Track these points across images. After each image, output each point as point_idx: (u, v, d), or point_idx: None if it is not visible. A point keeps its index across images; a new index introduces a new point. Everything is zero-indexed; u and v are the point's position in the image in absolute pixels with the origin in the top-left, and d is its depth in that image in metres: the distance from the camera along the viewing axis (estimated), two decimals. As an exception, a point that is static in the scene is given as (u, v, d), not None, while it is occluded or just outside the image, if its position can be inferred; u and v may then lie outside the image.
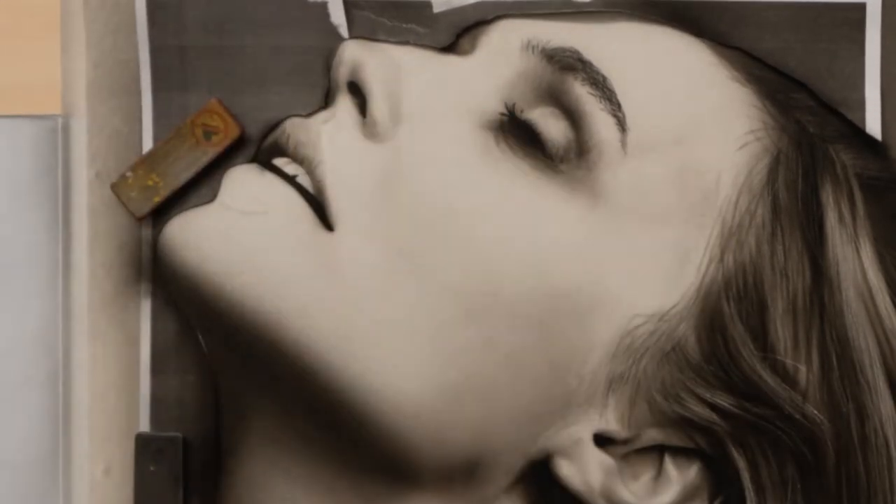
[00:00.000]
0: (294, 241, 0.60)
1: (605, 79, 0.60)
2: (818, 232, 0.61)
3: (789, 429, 0.60)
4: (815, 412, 0.60)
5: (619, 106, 0.60)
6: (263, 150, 0.64)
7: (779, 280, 0.61)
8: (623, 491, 0.61)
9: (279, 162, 0.62)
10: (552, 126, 0.60)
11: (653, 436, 0.61)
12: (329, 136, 0.61)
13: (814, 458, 0.60)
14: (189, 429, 0.64)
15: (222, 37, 0.64)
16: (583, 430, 0.61)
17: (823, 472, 0.60)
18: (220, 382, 0.64)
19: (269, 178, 0.62)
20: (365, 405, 0.59)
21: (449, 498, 0.61)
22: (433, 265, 0.59)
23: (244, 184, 0.62)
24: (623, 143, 0.60)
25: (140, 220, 0.64)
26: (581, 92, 0.60)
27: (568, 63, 0.61)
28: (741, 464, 0.61)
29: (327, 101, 0.64)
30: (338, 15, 0.63)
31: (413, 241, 0.60)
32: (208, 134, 0.64)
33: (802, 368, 0.60)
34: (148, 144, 0.64)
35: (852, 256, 0.61)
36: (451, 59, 0.62)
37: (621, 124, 0.60)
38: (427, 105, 0.61)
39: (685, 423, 0.61)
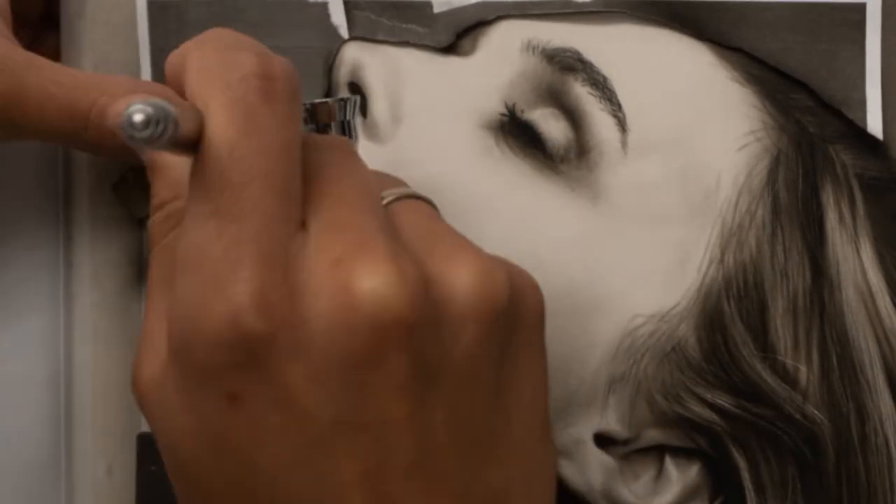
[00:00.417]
0: (295, 241, 0.60)
1: (605, 79, 0.61)
2: (818, 232, 0.61)
3: (789, 429, 0.60)
4: (816, 412, 0.60)
5: (619, 106, 0.60)
6: (264, 150, 0.63)
7: (779, 280, 0.61)
8: (623, 491, 0.61)
9: (280, 162, 0.62)
10: (552, 126, 0.61)
11: (653, 436, 0.61)
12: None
13: (814, 457, 0.60)
14: (190, 429, 0.64)
15: (223, 37, 0.64)
16: (583, 430, 0.61)
17: (823, 472, 0.60)
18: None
19: (270, 178, 0.61)
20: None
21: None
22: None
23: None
24: (623, 144, 0.60)
25: (141, 221, 0.64)
26: (581, 92, 0.60)
27: (568, 63, 0.61)
28: (741, 464, 0.61)
29: (327, 101, 0.64)
30: (338, 15, 0.63)
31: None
32: (209, 134, 0.63)
33: (802, 368, 0.60)
34: (149, 145, 0.64)
35: (852, 256, 0.61)
36: (451, 60, 0.62)
37: (622, 125, 0.60)
38: (427, 105, 0.61)
39: (685, 423, 0.61)
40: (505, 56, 0.62)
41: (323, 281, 0.43)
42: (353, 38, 0.63)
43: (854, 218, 0.61)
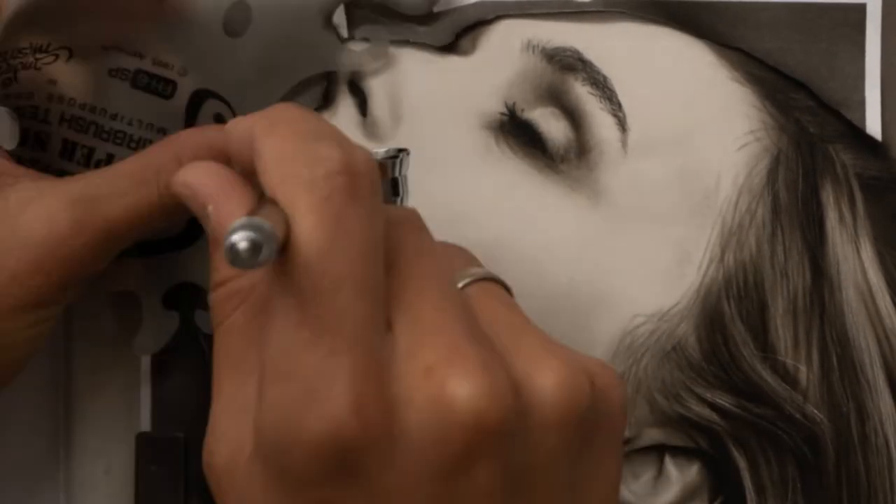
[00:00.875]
0: (294, 240, 0.60)
1: (605, 79, 0.61)
2: (818, 232, 0.61)
3: (789, 428, 0.60)
4: (816, 412, 0.60)
5: (619, 106, 0.60)
6: (264, 150, 0.63)
7: (779, 280, 0.61)
8: (623, 491, 0.61)
9: (279, 162, 0.62)
10: (553, 126, 0.61)
11: (653, 435, 0.61)
12: (329, 136, 0.61)
13: (814, 457, 0.60)
14: (190, 428, 0.64)
15: (223, 37, 0.64)
16: (583, 430, 0.61)
17: (824, 472, 0.60)
18: (220, 382, 0.64)
19: (270, 178, 0.61)
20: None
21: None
22: (433, 265, 0.59)
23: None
24: (623, 143, 0.60)
25: (140, 220, 0.64)
26: (581, 92, 0.60)
27: (568, 63, 0.61)
28: (741, 463, 0.61)
29: (327, 101, 0.63)
30: (338, 15, 0.63)
31: (413, 241, 0.60)
32: (209, 134, 0.64)
33: (803, 368, 0.60)
34: (148, 144, 0.64)
35: (852, 256, 0.61)
36: (451, 59, 0.62)
37: (622, 124, 0.60)
38: (427, 105, 0.61)
39: (685, 423, 0.61)
40: (505, 55, 0.62)
41: (415, 390, 0.43)
42: (352, 37, 0.63)
43: (854, 218, 0.61)
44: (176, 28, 0.59)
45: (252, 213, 0.43)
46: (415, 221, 0.49)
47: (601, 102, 0.60)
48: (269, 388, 0.44)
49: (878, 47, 0.62)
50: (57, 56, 0.58)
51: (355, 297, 0.43)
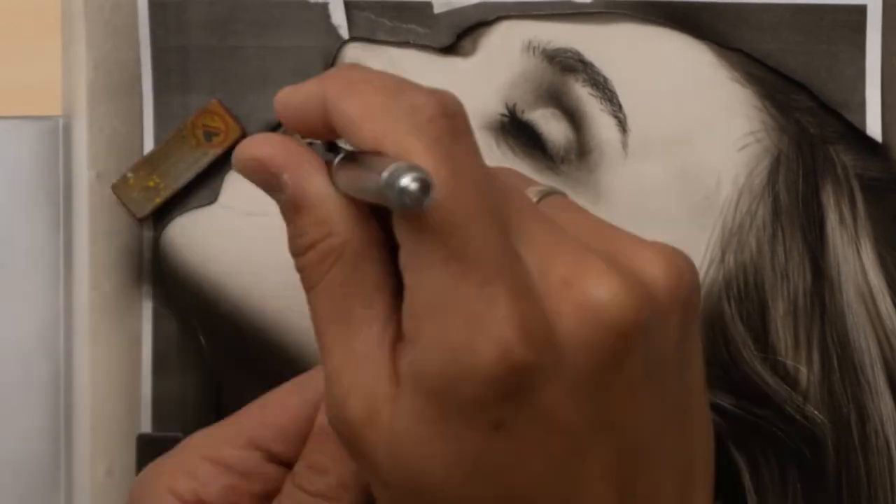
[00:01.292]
0: (295, 241, 0.60)
1: (606, 80, 0.61)
2: (819, 233, 0.61)
3: (790, 429, 0.60)
4: (816, 413, 0.60)
5: (619, 107, 0.60)
6: (264, 150, 0.63)
7: (779, 281, 0.61)
8: (624, 491, 0.61)
9: (280, 163, 0.62)
10: (553, 127, 0.61)
11: (654, 436, 0.61)
12: (330, 136, 0.61)
13: (814, 458, 0.60)
14: (191, 429, 0.64)
15: (223, 37, 0.64)
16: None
17: (824, 473, 0.60)
18: (221, 383, 0.64)
19: (270, 178, 0.61)
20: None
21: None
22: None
23: (245, 185, 0.62)
24: (624, 145, 0.60)
25: (141, 220, 0.64)
26: (582, 93, 0.60)
27: (569, 64, 0.61)
28: (741, 464, 0.61)
29: (328, 101, 0.63)
30: (338, 15, 0.63)
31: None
32: (209, 135, 0.64)
33: (803, 369, 0.61)
34: (149, 145, 0.64)
35: (853, 257, 0.61)
36: (451, 60, 0.62)
37: (622, 125, 0.60)
38: (427, 106, 0.61)
39: (686, 424, 0.61)
40: (505, 56, 0.62)
41: (561, 302, 0.45)
42: (353, 38, 0.63)
43: (855, 219, 0.61)
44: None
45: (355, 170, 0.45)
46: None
47: (602, 103, 0.60)
48: (427, 326, 0.45)
49: (879, 48, 0.62)
50: None
51: (489, 227, 0.44)
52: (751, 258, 0.61)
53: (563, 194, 0.51)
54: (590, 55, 0.61)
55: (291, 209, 0.48)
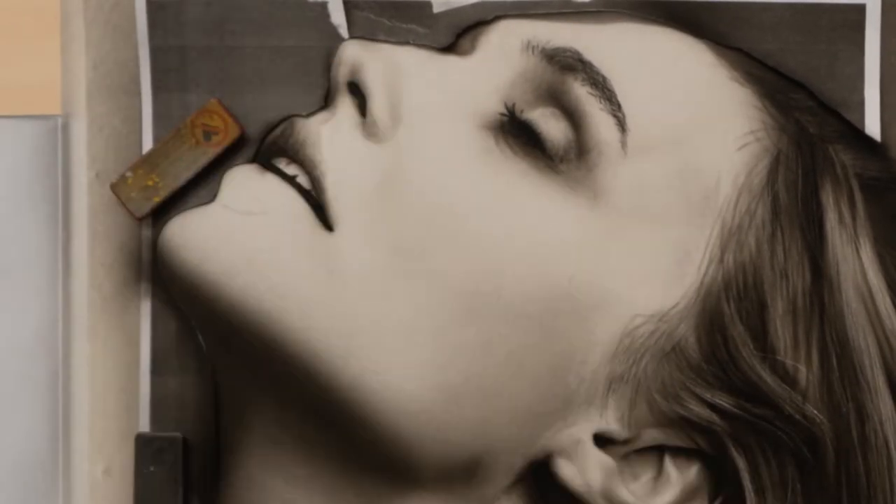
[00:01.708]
0: (294, 241, 0.60)
1: (605, 79, 0.61)
2: (818, 232, 0.61)
3: (789, 429, 0.60)
4: (815, 412, 0.60)
5: (619, 106, 0.60)
6: (263, 150, 0.64)
7: (779, 280, 0.61)
8: (623, 491, 0.61)
9: (279, 162, 0.62)
10: (552, 126, 0.61)
11: (653, 436, 0.61)
12: (329, 136, 0.61)
13: (814, 458, 0.60)
14: (189, 429, 0.64)
15: (222, 37, 0.64)
16: (583, 430, 0.61)
17: (823, 473, 0.60)
18: (220, 382, 0.64)
19: (269, 178, 0.62)
20: (364, 405, 0.59)
21: (449, 498, 0.61)
22: (433, 265, 0.59)
23: (244, 184, 0.62)
24: (623, 144, 0.60)
25: (140, 220, 0.64)
26: (581, 92, 0.60)
27: (568, 63, 0.61)
28: (741, 464, 0.61)
29: (327, 101, 0.64)
30: (338, 15, 0.63)
31: (413, 242, 0.60)
32: (208, 134, 0.64)
33: (802, 369, 0.60)
34: (148, 145, 0.64)
35: (852, 257, 0.61)
36: (451, 60, 0.62)
37: (621, 124, 0.60)
38: (427, 105, 0.61)
39: (685, 424, 0.61)
40: (505, 56, 0.62)
41: None
42: (352, 37, 0.64)
43: (854, 218, 0.61)
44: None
45: None
46: None
47: (601, 103, 0.60)
48: None
49: (878, 48, 0.62)
50: None
51: None
52: (750, 258, 0.60)
53: None
54: (589, 54, 0.61)
55: None
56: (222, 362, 0.64)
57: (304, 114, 0.63)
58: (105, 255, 0.64)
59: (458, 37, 0.63)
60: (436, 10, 0.63)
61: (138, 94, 0.64)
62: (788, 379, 0.60)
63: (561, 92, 0.61)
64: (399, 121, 0.61)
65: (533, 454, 0.61)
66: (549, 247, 0.60)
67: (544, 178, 0.60)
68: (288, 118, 0.63)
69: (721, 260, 0.60)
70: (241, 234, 0.61)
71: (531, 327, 0.59)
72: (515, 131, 0.61)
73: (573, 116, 0.60)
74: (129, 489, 0.64)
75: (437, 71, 0.62)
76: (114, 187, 0.64)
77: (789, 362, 0.60)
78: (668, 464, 0.61)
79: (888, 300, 0.61)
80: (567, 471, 0.61)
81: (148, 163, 0.64)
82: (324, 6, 0.64)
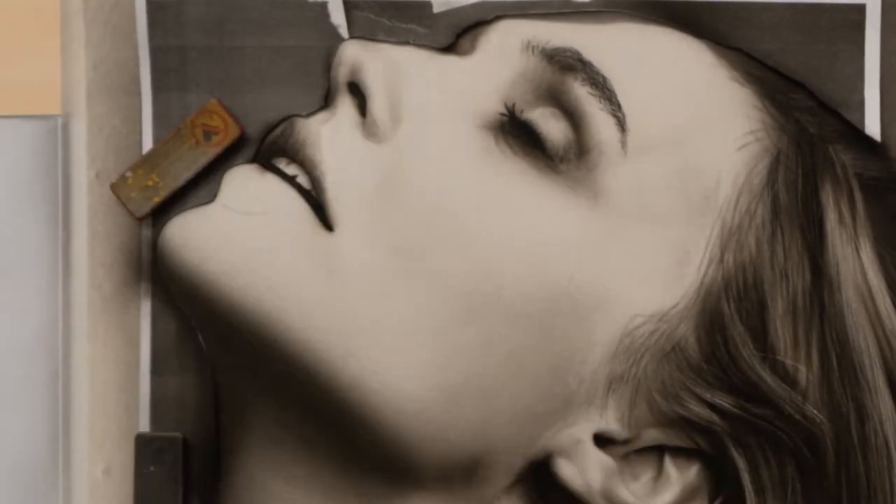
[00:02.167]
0: (294, 241, 0.60)
1: (605, 79, 0.61)
2: (818, 232, 0.61)
3: (789, 429, 0.60)
4: (815, 412, 0.60)
5: (619, 106, 0.60)
6: (263, 150, 0.64)
7: (779, 280, 0.61)
8: (623, 491, 0.61)
9: (279, 162, 0.62)
10: (552, 126, 0.61)
11: (653, 436, 0.61)
12: (329, 136, 0.61)
13: (814, 458, 0.60)
14: (189, 429, 0.64)
15: (222, 37, 0.64)
16: (583, 430, 0.61)
17: (823, 473, 0.60)
18: (220, 382, 0.64)
19: (269, 178, 0.62)
20: (364, 405, 0.59)
21: (449, 498, 0.61)
22: (433, 265, 0.59)
23: (244, 184, 0.62)
24: (623, 144, 0.60)
25: (140, 220, 0.64)
26: (581, 92, 0.60)
27: (568, 63, 0.61)
28: (741, 464, 0.61)
29: (327, 101, 0.64)
30: (338, 15, 0.63)
31: (412, 242, 0.60)
32: (208, 134, 0.64)
33: (802, 368, 0.60)
34: (148, 144, 0.64)
35: (852, 257, 0.61)
36: (451, 60, 0.62)
37: (621, 124, 0.60)
38: (427, 105, 0.61)
39: (685, 424, 0.61)
40: (504, 56, 0.62)
41: None
42: (352, 38, 0.64)
43: (854, 218, 0.61)
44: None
45: None
46: None
47: (601, 103, 0.60)
48: None
49: (878, 48, 0.62)
50: None
51: None
52: (750, 258, 0.60)
53: None
54: (589, 54, 0.61)
55: None
56: (222, 362, 0.64)
57: (304, 114, 0.63)
58: (105, 255, 0.64)
59: (458, 37, 0.63)
60: (436, 10, 0.63)
61: (138, 94, 0.64)
62: (788, 379, 0.60)
63: (561, 92, 0.61)
64: (399, 121, 0.61)
65: (533, 454, 0.61)
66: (549, 247, 0.60)
67: (544, 178, 0.60)
68: (288, 118, 0.63)
69: (721, 260, 0.60)
70: (241, 234, 0.61)
71: (531, 327, 0.59)
72: (515, 131, 0.61)
73: (573, 116, 0.60)
74: (129, 489, 0.64)
75: (437, 71, 0.62)
76: (114, 187, 0.64)
77: (789, 362, 0.60)
78: (668, 464, 0.61)
79: (888, 300, 0.61)
80: (567, 471, 0.61)
81: (148, 163, 0.64)
82: (324, 6, 0.64)
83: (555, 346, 0.60)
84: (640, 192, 0.60)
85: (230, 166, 0.63)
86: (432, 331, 0.59)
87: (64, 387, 0.63)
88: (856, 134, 0.62)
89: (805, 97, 0.62)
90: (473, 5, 0.63)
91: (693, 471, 0.61)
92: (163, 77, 0.64)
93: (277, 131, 0.63)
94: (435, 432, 0.60)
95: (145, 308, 0.64)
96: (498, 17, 0.63)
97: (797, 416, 0.60)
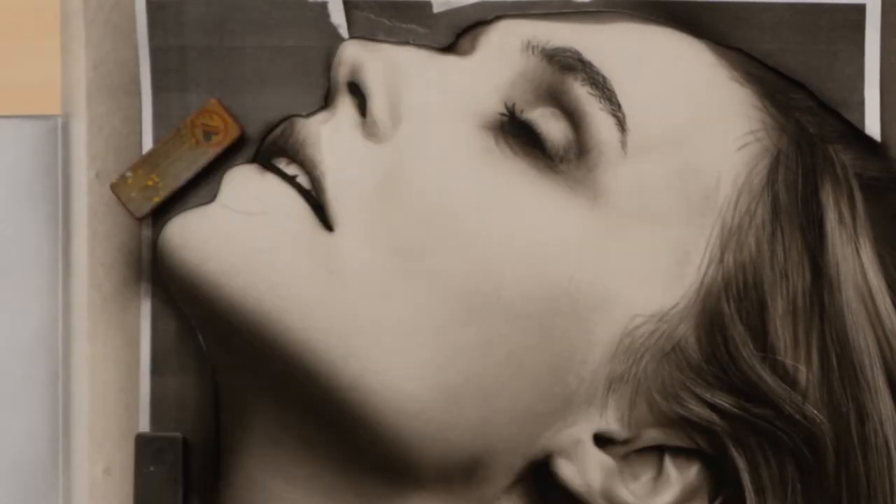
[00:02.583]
0: (294, 241, 0.60)
1: (605, 79, 0.61)
2: (818, 232, 0.61)
3: (789, 429, 0.60)
4: (815, 412, 0.60)
5: (619, 106, 0.60)
6: (263, 150, 0.64)
7: (779, 280, 0.61)
8: (623, 491, 0.61)
9: (279, 162, 0.62)
10: (552, 126, 0.61)
11: (653, 436, 0.61)
12: (329, 136, 0.61)
13: (814, 458, 0.60)
14: (189, 429, 0.64)
15: (222, 37, 0.64)
16: (583, 430, 0.61)
17: (823, 473, 0.60)
18: (219, 382, 0.64)
19: (269, 178, 0.62)
20: (364, 405, 0.59)
21: (449, 498, 0.61)
22: (433, 265, 0.59)
23: (244, 184, 0.62)
24: (623, 144, 0.60)
25: (140, 220, 0.64)
26: (581, 92, 0.60)
27: (568, 63, 0.61)
28: (741, 464, 0.61)
29: (327, 101, 0.64)
30: (338, 15, 0.63)
31: (412, 242, 0.60)
32: (208, 134, 0.64)
33: (802, 368, 0.60)
34: (148, 145, 0.64)
35: (852, 257, 0.61)
36: (451, 60, 0.62)
37: (621, 124, 0.60)
38: (427, 105, 0.61)
39: (685, 424, 0.61)
40: (504, 56, 0.62)
41: None
42: (352, 38, 0.64)
43: (854, 218, 0.61)
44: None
45: None
46: None
47: (601, 103, 0.60)
48: None
49: (878, 48, 0.62)
50: None
51: None
52: (750, 258, 0.60)
53: None
54: (589, 54, 0.61)
55: None
56: (222, 362, 0.64)
57: (304, 114, 0.63)
58: (105, 255, 0.64)
59: (458, 37, 0.63)
60: (436, 10, 0.63)
61: (138, 94, 0.64)
62: (788, 379, 0.60)
63: (561, 92, 0.61)
64: (399, 121, 0.61)
65: (533, 454, 0.61)
66: (549, 247, 0.60)
67: (544, 178, 0.60)
68: (288, 118, 0.63)
69: (721, 260, 0.60)
70: (241, 234, 0.61)
71: (531, 327, 0.59)
72: (515, 131, 0.61)
73: (573, 116, 0.60)
74: (129, 489, 0.64)
75: (437, 71, 0.62)
76: (114, 187, 0.64)
77: (789, 362, 0.60)
78: (668, 464, 0.61)
79: (888, 300, 0.61)
80: (567, 471, 0.61)
81: (148, 163, 0.64)
82: (324, 6, 0.64)
83: (555, 346, 0.60)
84: (640, 192, 0.60)
85: (230, 166, 0.63)
86: (432, 331, 0.59)
87: (64, 387, 0.63)
88: (856, 134, 0.62)
89: (805, 97, 0.62)
90: (473, 5, 0.63)
91: (693, 471, 0.61)
92: (163, 77, 0.64)
93: (277, 131, 0.63)
94: (435, 432, 0.60)
95: (145, 308, 0.64)
96: (498, 17, 0.63)
97: (797, 416, 0.60)
